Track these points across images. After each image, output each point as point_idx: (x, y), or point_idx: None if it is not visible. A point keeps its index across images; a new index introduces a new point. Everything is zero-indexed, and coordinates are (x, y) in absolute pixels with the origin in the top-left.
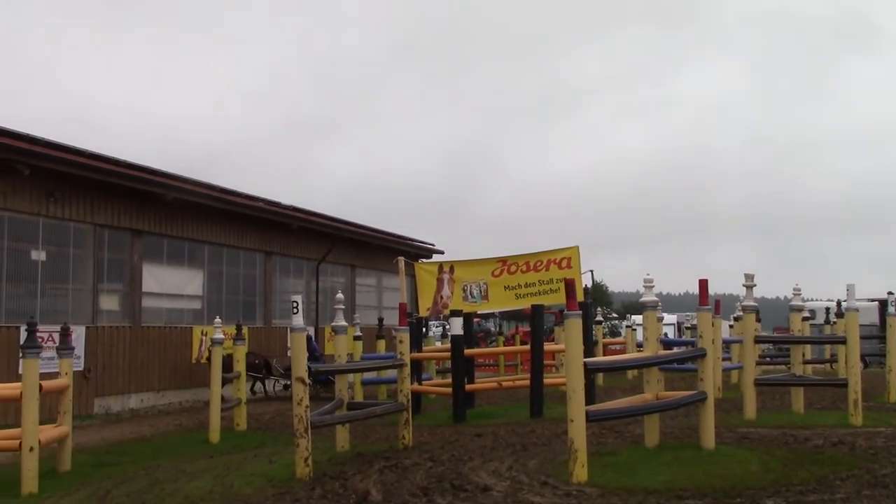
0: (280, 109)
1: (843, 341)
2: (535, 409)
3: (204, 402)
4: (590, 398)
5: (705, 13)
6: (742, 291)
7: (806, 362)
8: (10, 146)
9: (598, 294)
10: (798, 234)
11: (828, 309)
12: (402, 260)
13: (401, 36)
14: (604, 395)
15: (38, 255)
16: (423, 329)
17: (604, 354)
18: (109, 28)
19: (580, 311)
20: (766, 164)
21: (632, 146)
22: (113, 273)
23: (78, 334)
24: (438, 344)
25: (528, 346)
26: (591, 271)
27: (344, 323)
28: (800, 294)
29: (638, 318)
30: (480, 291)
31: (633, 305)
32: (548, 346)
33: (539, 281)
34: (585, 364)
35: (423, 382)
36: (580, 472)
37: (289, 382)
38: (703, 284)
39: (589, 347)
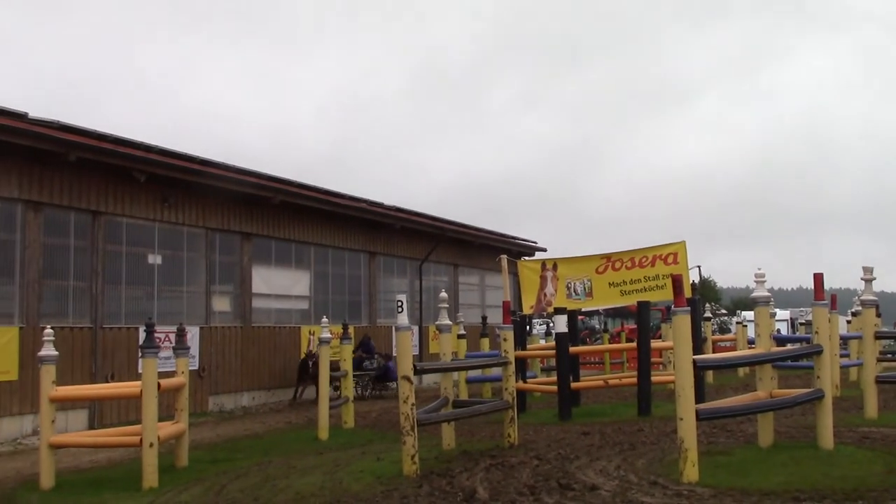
0: (384, 111)
1: None
2: (642, 408)
3: (311, 400)
4: (699, 396)
5: None
6: (860, 285)
7: None
8: (128, 154)
9: (706, 290)
10: None
11: None
12: (504, 258)
13: (503, 31)
14: (714, 393)
15: (155, 259)
16: (527, 327)
17: (713, 352)
18: (218, 40)
19: (688, 308)
20: (886, 153)
21: (741, 138)
22: (224, 275)
23: (192, 334)
24: (543, 342)
25: (633, 344)
26: (699, 267)
27: (448, 322)
28: None
29: (749, 315)
30: (584, 288)
31: (743, 301)
32: (654, 344)
33: (645, 277)
34: (695, 361)
35: (528, 380)
36: (691, 472)
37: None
38: (819, 279)
39: (698, 344)
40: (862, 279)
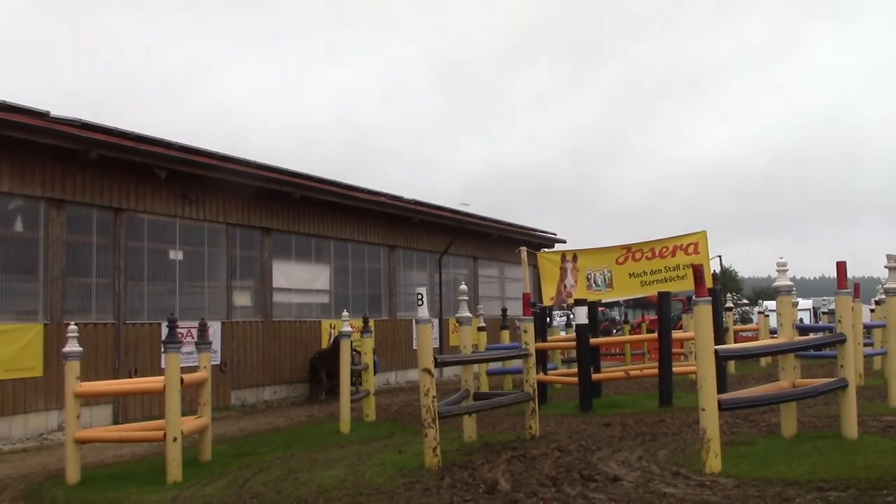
0: (407, 106)
1: None
2: (664, 398)
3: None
4: (721, 386)
5: None
6: (884, 274)
7: None
8: (149, 151)
9: (727, 280)
10: None
11: None
12: (524, 250)
13: (528, 23)
14: (736, 383)
15: (176, 255)
16: (548, 319)
17: (735, 342)
18: (245, 41)
19: (709, 298)
20: None
21: (763, 127)
22: (245, 270)
23: (214, 329)
24: (563, 334)
25: (654, 335)
26: (720, 256)
27: (468, 314)
28: None
29: (770, 304)
30: (605, 279)
31: (764, 291)
32: (675, 334)
33: (665, 268)
34: (716, 351)
35: (549, 372)
36: (713, 462)
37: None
38: (841, 267)
39: (719, 334)
40: (886, 267)
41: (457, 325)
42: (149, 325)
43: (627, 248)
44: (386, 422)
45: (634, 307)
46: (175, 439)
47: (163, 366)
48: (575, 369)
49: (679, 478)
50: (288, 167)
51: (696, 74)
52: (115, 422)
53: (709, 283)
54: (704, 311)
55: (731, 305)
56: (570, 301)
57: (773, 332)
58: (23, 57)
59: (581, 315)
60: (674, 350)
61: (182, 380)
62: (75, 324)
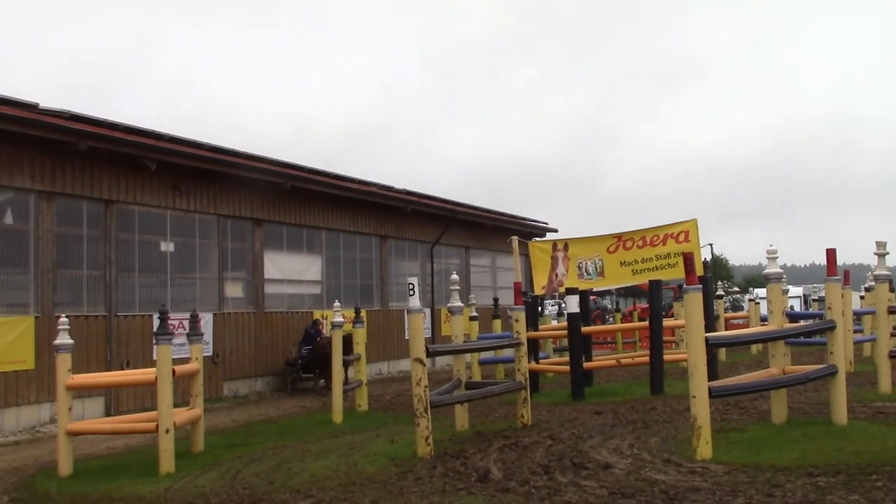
0: (403, 95)
1: None
2: (655, 386)
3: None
4: (712, 374)
5: None
6: (874, 261)
7: None
8: (139, 143)
9: (718, 268)
10: None
11: None
12: (515, 239)
13: (523, 12)
14: (727, 371)
15: (167, 247)
16: (539, 308)
17: (725, 329)
18: (238, 32)
19: (700, 286)
20: None
21: (752, 116)
22: (236, 261)
23: (206, 321)
24: (555, 322)
25: (646, 323)
26: (711, 244)
27: (460, 304)
28: None
29: (761, 292)
30: (596, 268)
31: (755, 279)
32: (667, 322)
33: (656, 256)
34: (707, 339)
35: (541, 361)
36: (704, 449)
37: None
38: (831, 254)
39: (710, 322)
40: (875, 254)
41: (449, 314)
42: (140, 317)
43: (618, 236)
44: (378, 412)
45: (626, 296)
46: (167, 431)
47: (155, 357)
48: (567, 358)
49: (670, 465)
50: (279, 158)
51: (691, 63)
52: (108, 414)
53: (699, 272)
54: (695, 298)
55: (722, 293)
56: (562, 290)
57: (763, 319)
58: (17, 50)
59: (572, 304)
60: (665, 338)
61: (174, 371)
62: (66, 316)
